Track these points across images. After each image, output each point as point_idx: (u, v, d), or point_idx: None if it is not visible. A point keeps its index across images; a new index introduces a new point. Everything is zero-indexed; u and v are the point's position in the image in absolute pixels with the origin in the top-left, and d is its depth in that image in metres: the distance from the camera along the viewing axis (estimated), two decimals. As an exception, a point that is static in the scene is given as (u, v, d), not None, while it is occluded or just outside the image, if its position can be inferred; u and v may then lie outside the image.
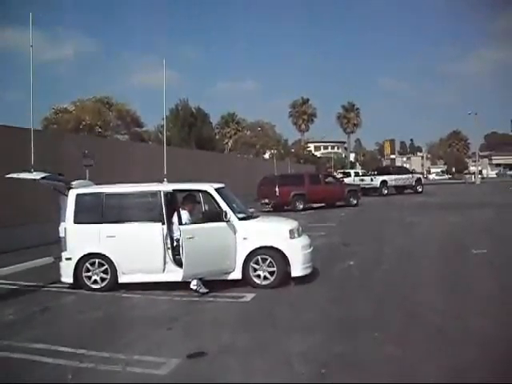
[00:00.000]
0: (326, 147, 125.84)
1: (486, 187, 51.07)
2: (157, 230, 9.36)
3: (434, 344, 6.22)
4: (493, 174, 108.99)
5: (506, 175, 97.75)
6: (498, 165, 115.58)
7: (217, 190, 9.61)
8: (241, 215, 9.65)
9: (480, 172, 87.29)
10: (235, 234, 9.24)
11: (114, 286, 9.45)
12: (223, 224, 9.15)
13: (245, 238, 9.26)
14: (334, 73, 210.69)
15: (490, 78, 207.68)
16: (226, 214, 9.11)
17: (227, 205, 9.35)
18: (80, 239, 9.55)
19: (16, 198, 14.15)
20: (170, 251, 9.36)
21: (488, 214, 23.24)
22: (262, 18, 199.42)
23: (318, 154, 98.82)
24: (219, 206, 9.31)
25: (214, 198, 9.46)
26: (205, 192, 9.83)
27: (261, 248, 9.30)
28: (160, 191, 9.64)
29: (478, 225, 19.22)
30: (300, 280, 9.44)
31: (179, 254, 9.06)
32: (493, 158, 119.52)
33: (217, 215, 9.26)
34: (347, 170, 60.23)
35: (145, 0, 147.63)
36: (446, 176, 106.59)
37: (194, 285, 9.03)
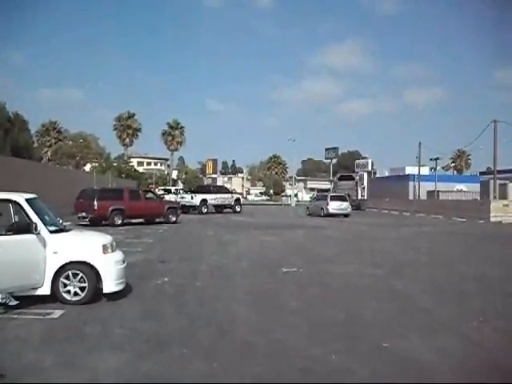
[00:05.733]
0: (149, 163, 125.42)
1: (300, 210, 53.99)
2: (-43, 242, 8.60)
3: (241, 357, 6.47)
4: (307, 197, 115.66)
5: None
6: (312, 189, 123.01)
7: (27, 200, 9.08)
8: (52, 228, 9.25)
9: (296, 195, 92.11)
10: (45, 247, 8.78)
11: None
12: (32, 237, 8.66)
13: (55, 252, 8.84)
14: (161, 89, 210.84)
15: (307, 107, 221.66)
16: (35, 226, 8.63)
17: (38, 216, 8.87)
18: None
19: None
20: (-29, 265, 8.66)
21: (299, 235, 24.86)
22: (89, 25, 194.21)
23: (140, 169, 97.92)
24: (29, 218, 8.78)
25: (23, 208, 8.90)
26: (14, 202, 9.24)
27: (72, 262, 8.95)
28: (-38, 200, 8.92)
29: (290, 245, 20.41)
30: (112, 296, 9.29)
31: (-19, 268, 8.42)
32: (308, 182, 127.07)
33: (26, 227, 8.74)
34: (168, 187, 60.48)
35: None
36: (265, 197, 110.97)
37: (1, 298, 8.42)
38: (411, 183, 65.42)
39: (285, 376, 5.88)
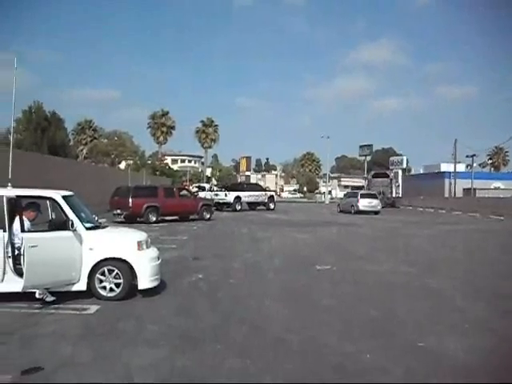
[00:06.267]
0: (183, 161, 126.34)
1: (334, 207, 53.64)
2: (-3, 237, 8.79)
3: (274, 354, 6.47)
4: (341, 194, 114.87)
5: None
6: (346, 186, 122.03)
7: (64, 197, 9.24)
8: (88, 225, 9.38)
9: (330, 192, 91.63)
10: (81, 243, 8.93)
11: None
12: (69, 233, 8.82)
13: (91, 249, 8.98)
14: (195, 87, 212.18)
15: (340, 104, 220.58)
16: (72, 223, 8.79)
17: (74, 213, 9.01)
18: None
19: None
20: (10, 260, 8.82)
21: (333, 232, 24.74)
22: (122, 26, 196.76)
23: (174, 167, 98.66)
24: (65, 215, 8.94)
25: (60, 205, 9.07)
26: (51, 199, 9.42)
27: (107, 259, 9.08)
28: (3, 196, 9.06)
29: (323, 242, 20.32)
30: (147, 292, 9.38)
31: (20, 264, 8.56)
32: (342, 179, 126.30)
33: (63, 224, 8.91)
34: (202, 185, 60.72)
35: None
36: (298, 195, 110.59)
37: (39, 294, 8.57)
38: (447, 180, 64.64)
39: (318, 374, 5.87)
